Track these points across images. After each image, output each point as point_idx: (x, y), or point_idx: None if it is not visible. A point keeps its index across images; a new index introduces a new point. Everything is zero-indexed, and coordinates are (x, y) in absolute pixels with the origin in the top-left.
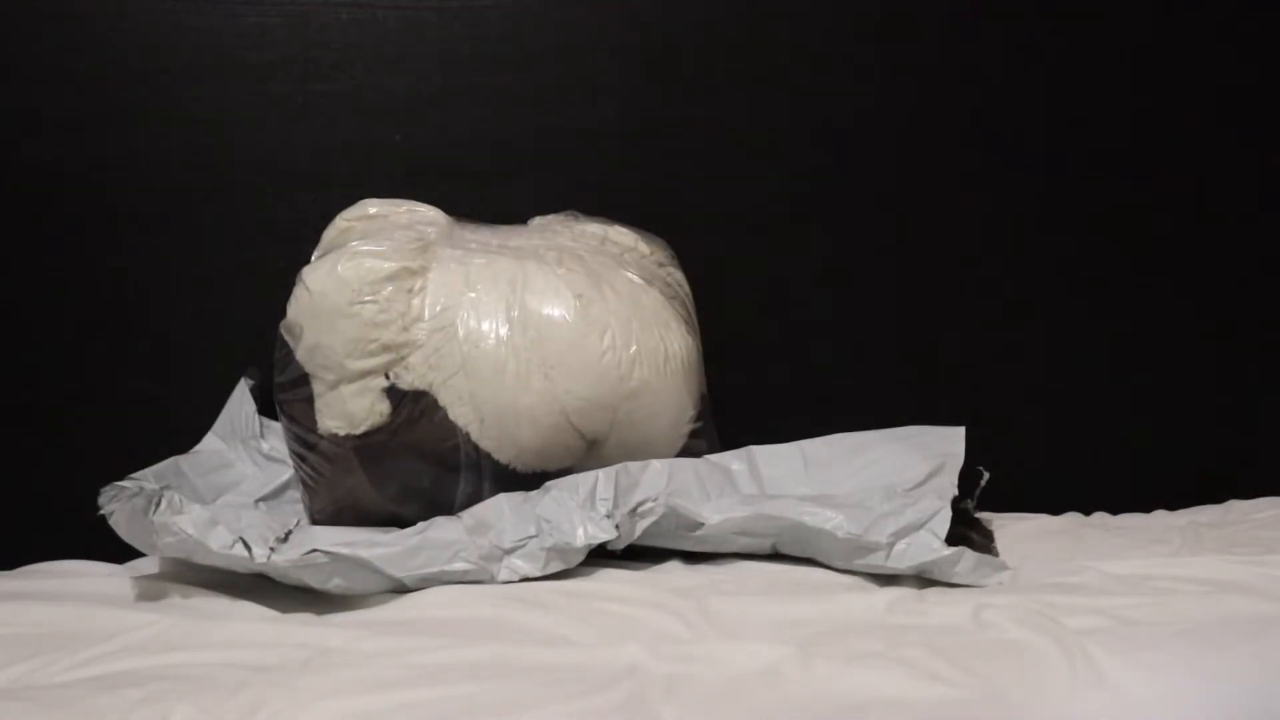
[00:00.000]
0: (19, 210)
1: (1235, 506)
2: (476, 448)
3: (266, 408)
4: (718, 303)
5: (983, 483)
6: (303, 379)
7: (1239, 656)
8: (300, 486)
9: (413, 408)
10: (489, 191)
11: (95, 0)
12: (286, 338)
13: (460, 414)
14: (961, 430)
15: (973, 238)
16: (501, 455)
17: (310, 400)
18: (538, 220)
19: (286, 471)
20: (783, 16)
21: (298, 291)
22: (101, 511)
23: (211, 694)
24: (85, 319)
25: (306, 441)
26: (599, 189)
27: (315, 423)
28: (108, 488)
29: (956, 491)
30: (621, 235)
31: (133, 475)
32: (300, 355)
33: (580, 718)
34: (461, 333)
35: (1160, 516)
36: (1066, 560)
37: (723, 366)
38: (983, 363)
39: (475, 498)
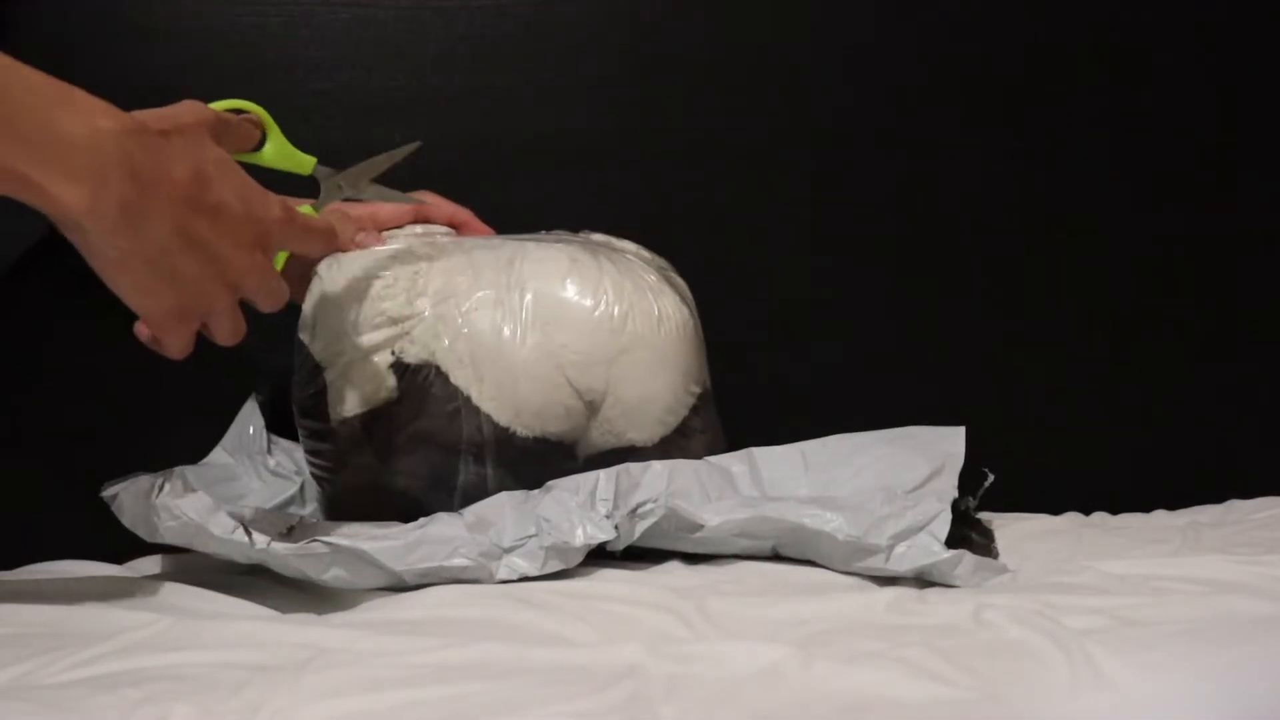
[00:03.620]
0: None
1: (1235, 506)
2: (478, 410)
3: (274, 424)
4: (717, 303)
5: (986, 484)
6: (316, 371)
7: (1239, 656)
8: (314, 484)
9: (417, 379)
10: (489, 191)
11: (92, 1)
12: (303, 336)
13: (461, 376)
14: (961, 430)
15: (972, 238)
16: (501, 416)
17: (324, 392)
18: (544, 232)
19: (291, 487)
20: (783, 16)
21: (312, 285)
22: (104, 494)
23: (211, 694)
24: (86, 319)
25: (320, 434)
26: (599, 188)
27: (329, 414)
28: (113, 480)
29: (956, 493)
30: (625, 244)
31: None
32: (315, 348)
33: (580, 718)
34: (460, 302)
35: (1160, 516)
36: (1066, 560)
37: (723, 367)
38: (983, 363)
39: (478, 472)
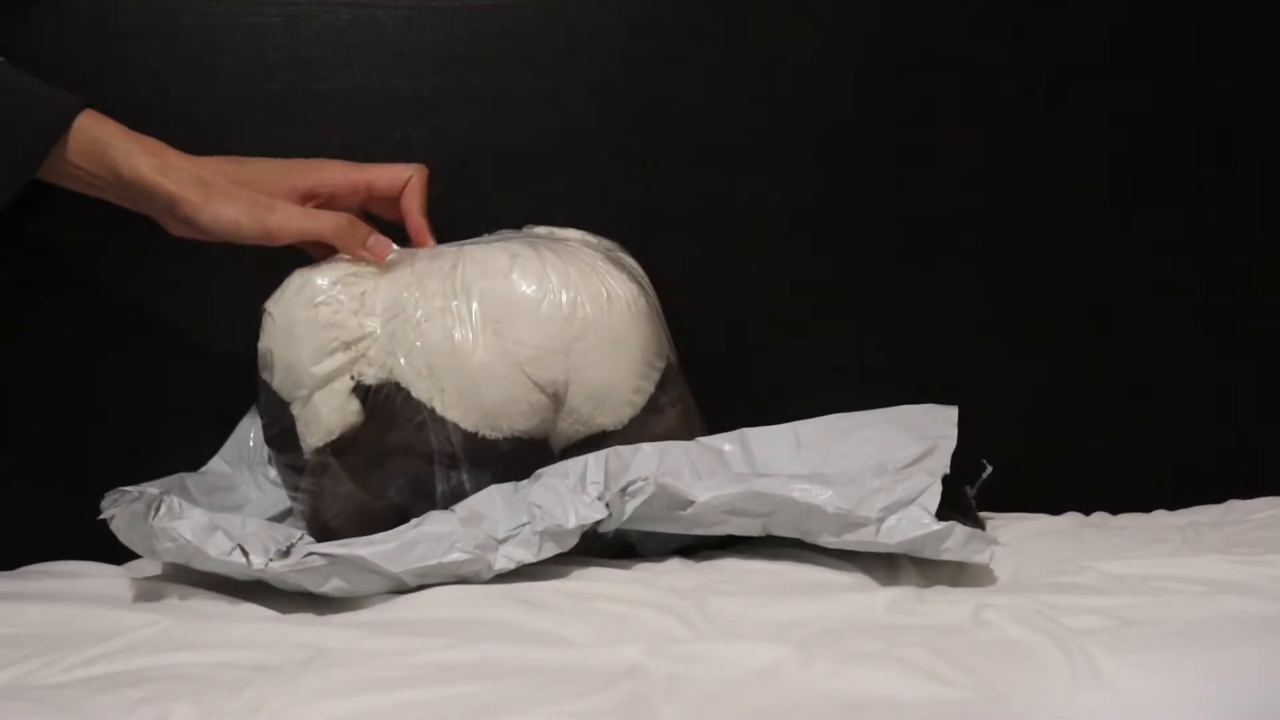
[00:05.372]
0: (18, 212)
1: (1235, 506)
2: (444, 421)
3: None
4: (716, 302)
5: (984, 475)
6: (281, 406)
7: (1239, 656)
8: (299, 518)
9: (379, 399)
10: (488, 191)
11: (92, 0)
12: (264, 375)
13: (422, 389)
14: (954, 410)
15: (971, 239)
16: (468, 423)
17: (292, 426)
18: (486, 235)
19: None
20: (783, 15)
21: (265, 321)
22: (103, 515)
23: (212, 694)
24: (86, 321)
25: (296, 467)
26: (599, 188)
27: (301, 447)
28: (111, 492)
29: (948, 469)
30: (569, 232)
31: (138, 486)
32: (276, 383)
33: (580, 718)
34: (411, 313)
35: (1160, 516)
36: (1066, 560)
37: (722, 366)
38: (983, 363)
39: (455, 479)
